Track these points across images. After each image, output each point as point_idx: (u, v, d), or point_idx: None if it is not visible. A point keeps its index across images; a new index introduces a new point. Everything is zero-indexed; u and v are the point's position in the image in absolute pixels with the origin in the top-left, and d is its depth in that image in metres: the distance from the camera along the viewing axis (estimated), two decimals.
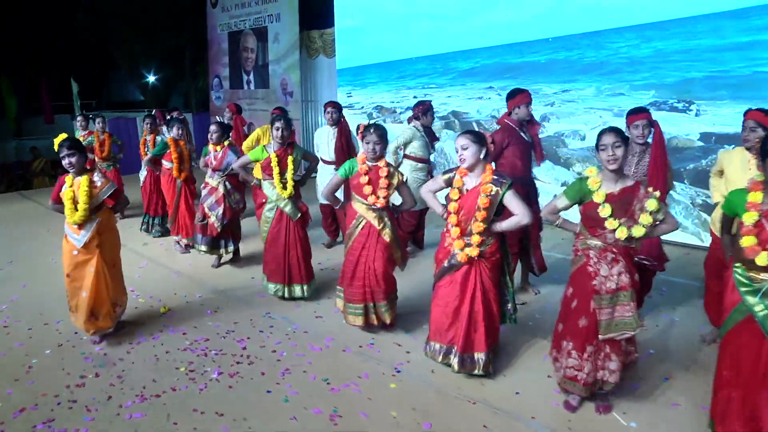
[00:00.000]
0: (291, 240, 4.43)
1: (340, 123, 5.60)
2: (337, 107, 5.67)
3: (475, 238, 3.13)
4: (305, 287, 4.49)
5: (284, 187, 4.37)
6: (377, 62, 9.05)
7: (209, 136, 5.22)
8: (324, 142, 5.75)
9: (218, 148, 5.16)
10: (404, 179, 3.78)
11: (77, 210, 3.53)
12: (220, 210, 5.11)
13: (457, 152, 3.18)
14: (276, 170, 4.34)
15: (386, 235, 3.75)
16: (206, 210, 5.14)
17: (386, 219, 3.77)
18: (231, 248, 5.34)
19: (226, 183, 5.16)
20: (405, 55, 8.62)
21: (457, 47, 7.85)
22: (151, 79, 15.92)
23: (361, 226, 3.77)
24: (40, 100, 15.61)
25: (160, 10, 13.44)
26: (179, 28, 13.67)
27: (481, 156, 3.15)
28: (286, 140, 4.38)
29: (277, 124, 4.33)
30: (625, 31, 6.26)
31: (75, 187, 3.57)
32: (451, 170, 3.30)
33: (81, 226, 3.57)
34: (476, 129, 6.61)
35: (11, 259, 5.72)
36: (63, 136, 3.62)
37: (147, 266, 5.50)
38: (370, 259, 3.73)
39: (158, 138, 6.83)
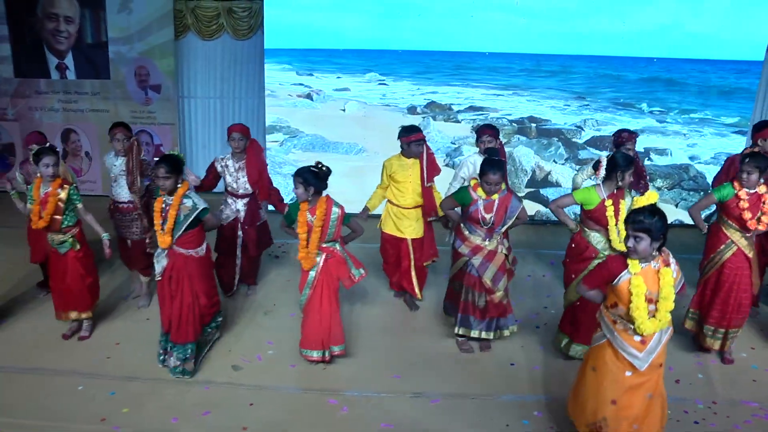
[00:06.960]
0: None
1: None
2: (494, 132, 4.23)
3: None
4: None
5: None
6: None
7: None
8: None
9: (494, 195, 3.66)
10: None
11: None
12: (504, 280, 3.84)
13: None
14: (612, 221, 3.48)
15: None
16: (488, 283, 3.73)
17: None
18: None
19: (504, 242, 3.95)
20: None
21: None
22: None
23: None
24: None
25: None
26: None
27: None
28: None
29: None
30: None
31: None
32: None
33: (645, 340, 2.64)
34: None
35: None
36: None
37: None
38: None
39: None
